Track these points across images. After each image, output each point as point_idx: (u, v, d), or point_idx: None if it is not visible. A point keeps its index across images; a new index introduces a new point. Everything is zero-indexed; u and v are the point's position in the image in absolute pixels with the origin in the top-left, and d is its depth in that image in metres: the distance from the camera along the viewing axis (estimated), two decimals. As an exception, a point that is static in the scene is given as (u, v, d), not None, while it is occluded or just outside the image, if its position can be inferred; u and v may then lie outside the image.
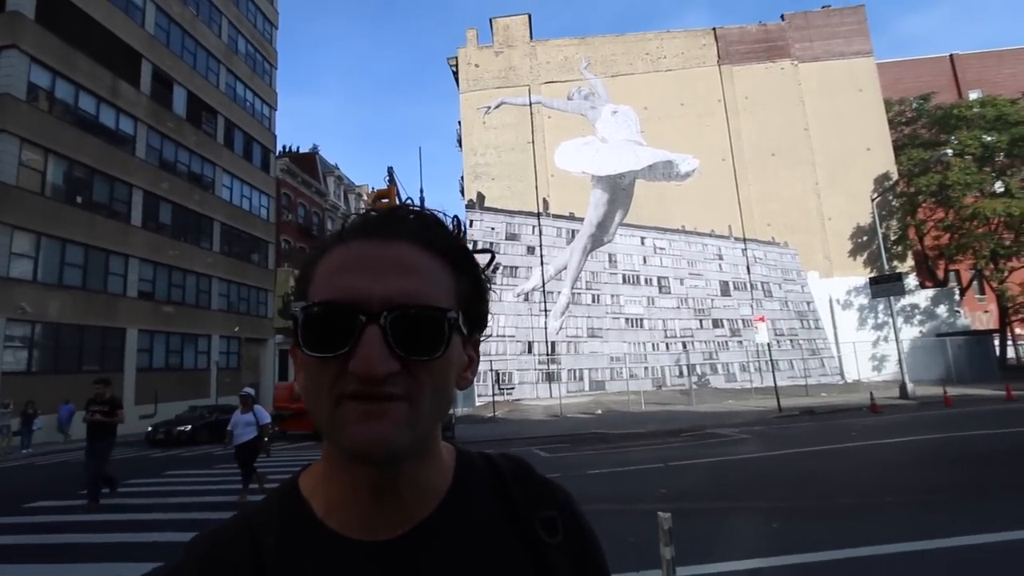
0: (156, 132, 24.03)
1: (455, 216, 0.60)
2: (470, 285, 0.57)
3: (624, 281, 26.27)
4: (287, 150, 40.04)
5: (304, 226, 36.47)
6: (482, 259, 0.61)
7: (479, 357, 0.61)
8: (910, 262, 26.44)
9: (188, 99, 26.29)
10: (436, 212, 0.59)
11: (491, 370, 23.77)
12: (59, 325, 18.69)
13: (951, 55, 37.98)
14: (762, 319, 17.52)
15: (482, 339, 0.62)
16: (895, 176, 26.02)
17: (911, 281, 25.25)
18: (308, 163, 39.38)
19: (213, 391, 25.20)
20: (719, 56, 28.04)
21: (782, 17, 28.66)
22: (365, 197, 48.48)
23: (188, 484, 9.35)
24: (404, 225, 0.55)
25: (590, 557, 0.63)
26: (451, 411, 15.43)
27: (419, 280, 0.52)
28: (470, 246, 0.59)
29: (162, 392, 22.35)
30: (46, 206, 18.58)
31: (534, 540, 0.59)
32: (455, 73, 28.90)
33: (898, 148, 27.37)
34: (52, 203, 18.85)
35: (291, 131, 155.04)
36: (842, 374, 24.91)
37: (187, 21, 26.64)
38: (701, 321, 25.98)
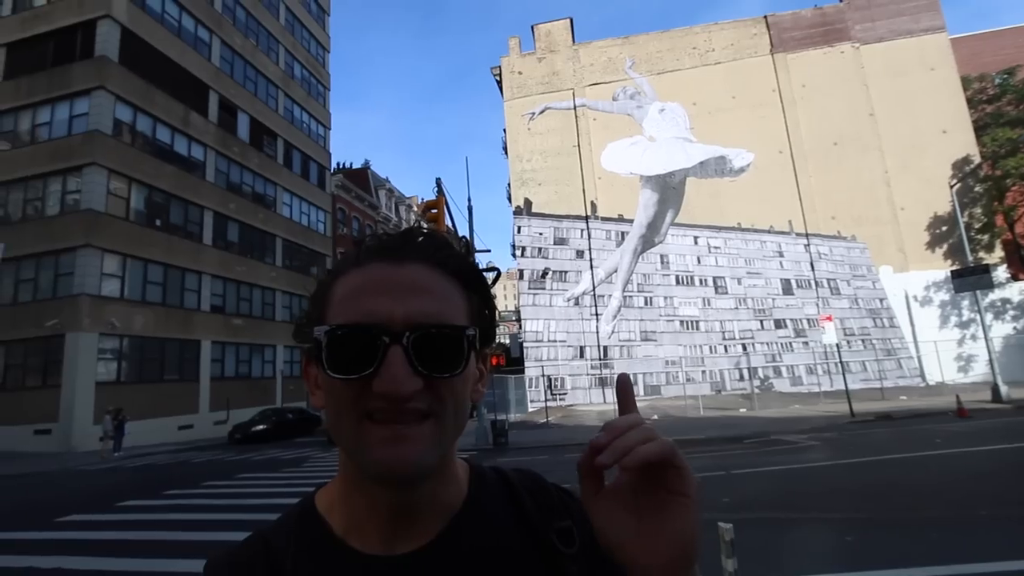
0: (223, 157, 25.79)
1: (463, 237, 0.63)
2: (480, 302, 0.59)
3: (677, 282, 25.50)
4: (340, 166, 41.85)
5: (359, 239, 37.46)
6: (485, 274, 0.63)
7: (488, 370, 0.62)
8: (999, 252, 24.09)
9: (251, 124, 28.06)
10: (446, 234, 0.62)
11: (543, 375, 23.68)
12: (143, 338, 20.34)
13: (1038, 23, 34.46)
14: (829, 318, 16.51)
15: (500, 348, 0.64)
16: (977, 159, 23.87)
17: (1001, 273, 23.00)
18: (361, 178, 40.99)
19: (279, 398, 26.64)
20: (772, 44, 26.85)
21: (840, -2, 27.14)
22: (415, 208, 49.74)
23: (258, 487, 9.88)
24: (416, 247, 0.57)
25: (608, 564, 0.60)
26: (504, 417, 15.40)
27: (436, 300, 0.54)
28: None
29: (233, 399, 23.79)
30: (130, 230, 20.33)
31: (551, 550, 0.58)
32: (499, 82, 29.22)
33: (979, 128, 25.12)
34: (135, 227, 20.60)
35: (343, 146, 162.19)
36: (923, 376, 23.01)
37: (248, 52, 28.47)
38: (762, 322, 24.78)
